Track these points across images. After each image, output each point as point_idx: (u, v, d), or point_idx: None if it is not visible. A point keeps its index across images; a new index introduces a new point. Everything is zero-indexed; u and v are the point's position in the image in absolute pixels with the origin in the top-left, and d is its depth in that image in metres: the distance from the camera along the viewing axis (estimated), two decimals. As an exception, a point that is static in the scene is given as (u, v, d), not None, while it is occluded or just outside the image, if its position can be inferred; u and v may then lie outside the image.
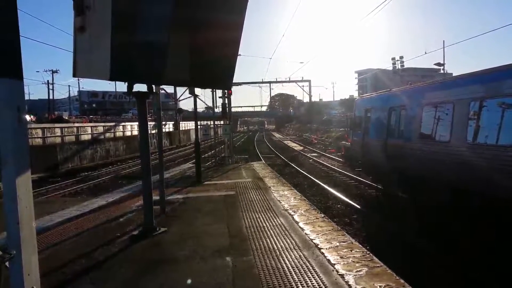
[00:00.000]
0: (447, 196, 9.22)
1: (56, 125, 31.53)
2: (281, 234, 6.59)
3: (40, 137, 26.72)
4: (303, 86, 73.16)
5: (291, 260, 5.29)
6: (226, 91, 20.46)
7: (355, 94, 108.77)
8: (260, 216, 7.95)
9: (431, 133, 10.01)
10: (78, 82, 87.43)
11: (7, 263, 2.84)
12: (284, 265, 5.09)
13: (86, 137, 32.77)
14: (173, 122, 55.66)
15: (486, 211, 8.09)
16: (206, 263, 5.35)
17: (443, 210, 9.51)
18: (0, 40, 2.95)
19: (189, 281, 4.76)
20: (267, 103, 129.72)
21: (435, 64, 49.25)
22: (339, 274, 4.69)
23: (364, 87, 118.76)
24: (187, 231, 7.12)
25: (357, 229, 9.43)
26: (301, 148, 38.62)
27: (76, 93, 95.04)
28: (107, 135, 36.67)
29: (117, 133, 39.35)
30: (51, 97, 68.61)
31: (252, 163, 20.88)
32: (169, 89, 51.40)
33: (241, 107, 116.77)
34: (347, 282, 4.46)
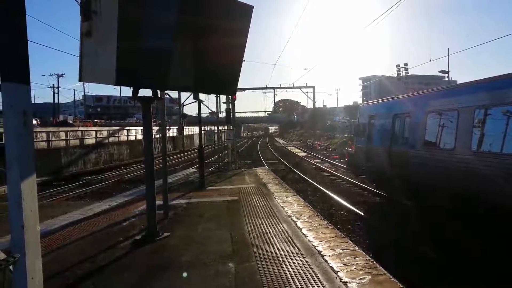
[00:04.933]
0: (451, 203, 9.18)
1: (61, 128, 31.68)
2: (284, 240, 6.56)
3: (45, 141, 26.85)
4: (307, 92, 72.81)
5: (294, 266, 5.26)
6: (230, 96, 20.55)
7: (359, 101, 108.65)
8: (263, 222, 7.93)
9: (435, 141, 9.99)
10: (84, 86, 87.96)
11: (11, 267, 2.85)
12: (287, 272, 5.06)
13: (90, 141, 32.88)
14: (177, 127, 55.83)
15: (490, 219, 8.04)
16: (209, 269, 5.33)
17: (447, 218, 9.45)
18: (8, 44, 2.98)
19: (191, 287, 4.75)
20: (271, 109, 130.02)
21: (439, 72, 49.23)
22: (342, 282, 4.66)
23: (368, 93, 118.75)
24: (190, 236, 7.12)
25: (361, 236, 9.38)
26: (305, 154, 38.56)
27: (81, 97, 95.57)
28: (111, 139, 36.77)
29: (121, 137, 39.44)
30: (56, 101, 69.12)
31: (255, 168, 20.86)
32: (174, 94, 51.56)
33: (245, 112, 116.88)
34: (350, 290, 4.43)
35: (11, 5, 2.99)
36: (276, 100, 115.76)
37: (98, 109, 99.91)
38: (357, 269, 5.07)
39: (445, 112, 9.66)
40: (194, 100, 14.13)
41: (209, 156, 22.52)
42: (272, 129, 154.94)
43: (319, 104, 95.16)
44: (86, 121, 60.92)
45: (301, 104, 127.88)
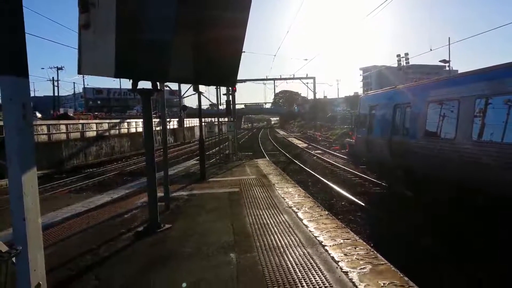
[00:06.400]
0: (451, 194, 9.20)
1: (61, 121, 31.67)
2: (285, 231, 6.60)
3: (46, 134, 26.87)
4: (307, 83, 72.49)
5: (295, 257, 5.30)
6: (230, 88, 20.49)
7: (360, 91, 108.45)
8: (264, 213, 7.96)
9: (436, 131, 9.97)
10: (83, 79, 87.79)
11: (13, 259, 2.87)
12: (288, 262, 5.10)
13: (91, 133, 32.91)
14: (177, 119, 55.82)
15: (492, 209, 8.06)
16: (210, 259, 5.37)
17: (447, 208, 9.48)
18: (5, 38, 2.97)
19: (193, 277, 4.79)
20: (271, 100, 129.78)
21: (440, 61, 48.93)
22: (343, 271, 4.70)
23: (368, 84, 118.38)
24: (191, 227, 7.15)
25: (362, 226, 9.42)
26: (305, 145, 38.57)
27: (81, 90, 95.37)
28: (112, 131, 36.80)
29: (121, 129, 39.47)
30: (56, 94, 69.02)
31: (256, 160, 20.88)
32: (174, 86, 51.61)
33: (245, 104, 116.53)
34: (351, 280, 4.46)
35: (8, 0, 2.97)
36: (277, 91, 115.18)
37: (98, 102, 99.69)
38: (358, 259, 5.10)
39: (446, 102, 9.62)
40: (194, 92, 14.14)
41: (210, 148, 22.53)
42: (273, 120, 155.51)
43: (319, 95, 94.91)
44: (87, 114, 60.88)
45: (302, 95, 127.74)
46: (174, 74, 6.62)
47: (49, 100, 73.22)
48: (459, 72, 19.14)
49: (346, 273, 4.65)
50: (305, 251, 5.50)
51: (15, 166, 2.96)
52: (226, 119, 22.56)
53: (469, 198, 8.70)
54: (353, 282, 4.39)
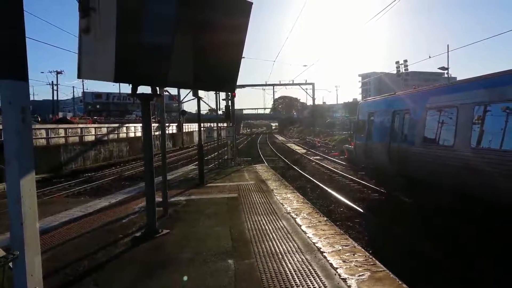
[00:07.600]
0: (450, 200, 9.19)
1: (60, 125, 31.62)
2: (284, 237, 6.57)
3: (44, 138, 26.82)
4: (306, 89, 72.78)
5: (293, 263, 5.27)
6: (229, 93, 20.52)
7: (359, 98, 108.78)
8: (263, 219, 7.94)
9: (435, 137, 9.99)
10: (83, 83, 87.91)
11: (10, 264, 2.86)
12: (286, 269, 5.08)
13: (89, 138, 32.85)
14: (176, 124, 55.77)
15: (489, 216, 8.06)
16: (208, 265, 5.34)
17: (446, 214, 9.47)
18: (5, 41, 2.97)
19: (191, 283, 4.76)
20: (270, 106, 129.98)
21: (439, 68, 49.11)
22: (342, 278, 4.68)
23: (367, 90, 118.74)
24: (189, 233, 7.13)
25: (360, 232, 9.39)
26: (304, 151, 38.56)
27: (80, 94, 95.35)
28: (111, 136, 36.73)
29: (120, 134, 39.40)
30: (55, 98, 68.97)
31: (255, 165, 20.86)
32: (173, 91, 51.44)
33: (245, 109, 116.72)
34: (349, 287, 4.44)
35: (8, 4, 2.98)
36: (276, 97, 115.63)
37: (98, 106, 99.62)
38: (356, 266, 5.08)
39: (444, 109, 9.65)
40: (194, 97, 14.14)
41: (208, 153, 22.51)
42: (272, 125, 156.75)
43: (318, 101, 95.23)
44: (86, 118, 60.76)
45: (301, 101, 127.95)
46: (174, 79, 6.63)
47: (48, 104, 73.18)
48: (457, 79, 19.22)
49: (344, 280, 4.63)
50: (304, 258, 5.48)
51: (14, 170, 2.96)
52: (225, 124, 22.56)
53: (466, 204, 8.70)
54: (351, 289, 4.37)
